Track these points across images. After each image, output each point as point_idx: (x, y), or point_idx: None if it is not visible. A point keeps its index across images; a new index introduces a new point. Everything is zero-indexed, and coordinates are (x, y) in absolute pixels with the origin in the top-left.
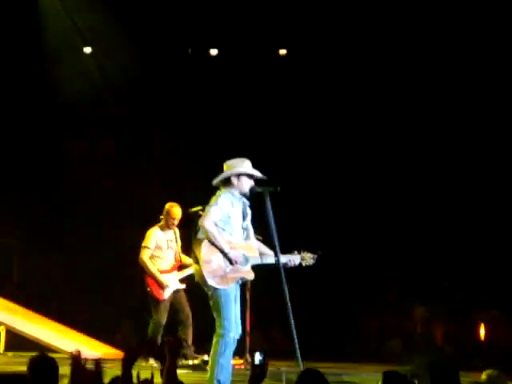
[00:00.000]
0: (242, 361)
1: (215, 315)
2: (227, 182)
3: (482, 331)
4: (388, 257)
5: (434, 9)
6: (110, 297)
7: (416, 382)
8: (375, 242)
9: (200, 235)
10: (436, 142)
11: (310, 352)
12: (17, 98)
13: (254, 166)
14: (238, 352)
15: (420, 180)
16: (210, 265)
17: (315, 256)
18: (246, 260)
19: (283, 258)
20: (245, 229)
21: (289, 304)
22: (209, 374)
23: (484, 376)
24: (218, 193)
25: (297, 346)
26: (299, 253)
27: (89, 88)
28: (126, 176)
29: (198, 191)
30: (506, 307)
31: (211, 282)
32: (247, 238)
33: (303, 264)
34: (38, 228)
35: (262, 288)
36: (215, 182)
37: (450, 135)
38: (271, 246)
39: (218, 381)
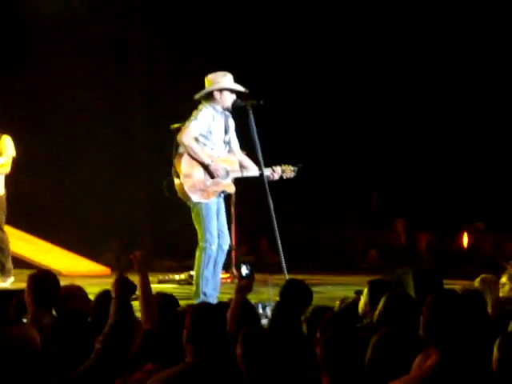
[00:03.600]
0: (228, 274)
1: (197, 228)
2: (209, 97)
3: (466, 241)
4: (373, 167)
5: None
6: (97, 217)
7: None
8: (361, 152)
9: (180, 150)
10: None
11: (295, 264)
12: None
13: (236, 79)
14: (225, 266)
15: (409, 87)
16: (191, 179)
17: (295, 168)
18: (227, 173)
19: (265, 171)
20: (227, 142)
21: (273, 217)
22: (194, 287)
23: (478, 280)
24: (199, 107)
25: (282, 259)
26: (280, 165)
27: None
28: (110, 93)
29: (181, 106)
30: (489, 219)
31: (192, 195)
32: (230, 151)
33: (284, 176)
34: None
35: (247, 201)
36: (197, 96)
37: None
38: (255, 160)
39: (204, 293)
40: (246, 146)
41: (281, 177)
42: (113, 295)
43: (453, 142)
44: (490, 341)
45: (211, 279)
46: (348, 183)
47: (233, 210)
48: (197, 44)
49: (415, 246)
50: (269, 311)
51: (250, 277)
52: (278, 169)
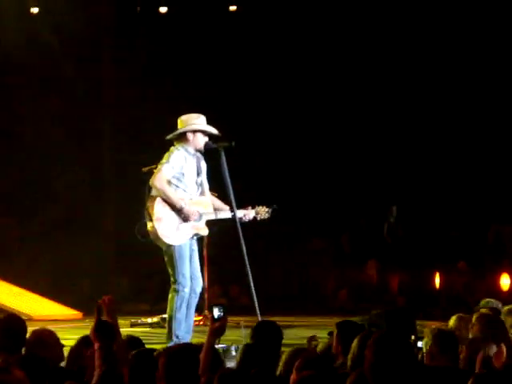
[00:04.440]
0: (200, 317)
1: (170, 271)
2: (181, 138)
3: (437, 281)
4: (342, 208)
5: None
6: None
7: (374, 330)
8: (330, 194)
9: (153, 193)
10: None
11: (268, 306)
12: None
13: (208, 121)
14: (197, 308)
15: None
16: (163, 222)
17: (270, 210)
18: (200, 216)
19: (239, 213)
20: (199, 184)
21: (246, 259)
22: (167, 330)
23: (455, 318)
24: (171, 149)
25: (255, 301)
26: (253, 207)
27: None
28: (78, 131)
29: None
30: (467, 258)
31: (165, 239)
32: (202, 193)
33: (258, 218)
34: None
35: (220, 244)
36: (169, 136)
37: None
38: (226, 202)
39: (177, 336)
40: (218, 188)
41: (254, 218)
42: (95, 345)
43: (417, 180)
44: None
45: (184, 322)
46: (319, 224)
47: (205, 251)
48: (168, 83)
49: (387, 287)
50: None
51: (222, 319)
52: (252, 211)
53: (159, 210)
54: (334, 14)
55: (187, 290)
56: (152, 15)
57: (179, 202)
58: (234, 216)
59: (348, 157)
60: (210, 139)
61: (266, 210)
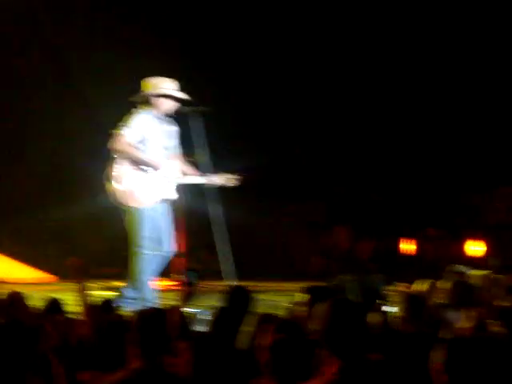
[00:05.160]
0: (175, 282)
1: (129, 232)
2: (146, 102)
3: (408, 247)
4: (315, 174)
5: None
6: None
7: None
8: (306, 158)
9: (112, 157)
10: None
11: (240, 272)
12: None
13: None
14: (168, 272)
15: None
16: (123, 184)
17: (235, 177)
18: (168, 180)
19: (204, 179)
20: (167, 149)
21: (222, 225)
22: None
23: (420, 286)
24: (133, 112)
25: (225, 265)
26: (221, 174)
27: None
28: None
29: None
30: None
31: (125, 200)
32: (172, 158)
33: (226, 185)
34: None
35: (194, 210)
36: (132, 99)
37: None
38: (200, 167)
39: (145, 299)
40: (190, 153)
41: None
42: None
43: (393, 147)
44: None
45: (148, 283)
46: (295, 188)
47: (180, 217)
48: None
49: (357, 253)
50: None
51: (195, 284)
52: (220, 177)
53: (119, 171)
54: (329, 11)
55: (148, 251)
56: None
57: (143, 157)
58: (208, 182)
59: (324, 123)
60: (184, 104)
61: (231, 177)
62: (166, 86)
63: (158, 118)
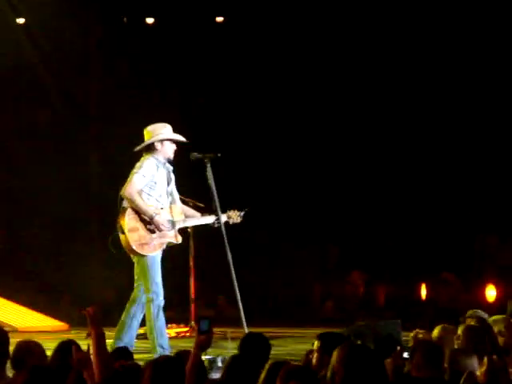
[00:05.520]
0: (187, 328)
1: (143, 281)
2: (150, 148)
3: (424, 292)
4: (329, 219)
5: None
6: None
7: (359, 342)
8: (316, 203)
9: (124, 204)
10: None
11: (255, 317)
12: None
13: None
14: (184, 320)
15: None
16: (136, 233)
17: (241, 213)
18: (172, 224)
19: (209, 219)
20: (170, 193)
21: (232, 269)
22: (151, 341)
23: (439, 329)
24: (141, 158)
25: (241, 312)
26: (224, 212)
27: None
28: (64, 149)
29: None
30: (453, 269)
31: (138, 250)
32: (173, 202)
33: (230, 222)
34: None
35: (206, 254)
36: (138, 148)
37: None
38: (211, 210)
39: (161, 346)
40: (202, 198)
41: (227, 222)
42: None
43: (405, 191)
44: None
45: (164, 330)
46: (305, 234)
47: (191, 262)
48: (156, 94)
49: (372, 298)
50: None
51: (208, 332)
52: (223, 215)
53: (130, 220)
54: (325, 15)
55: (161, 298)
56: (139, 26)
57: (149, 211)
58: (219, 223)
59: (336, 168)
60: (194, 150)
61: (238, 213)
62: (166, 131)
63: (162, 164)
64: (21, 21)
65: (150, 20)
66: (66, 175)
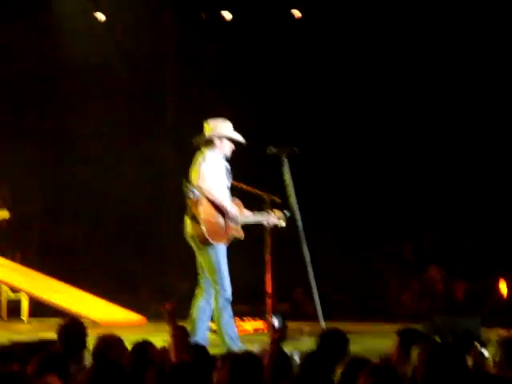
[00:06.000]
0: (262, 322)
1: (210, 272)
2: (208, 143)
3: (504, 288)
4: (405, 214)
5: None
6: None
7: (437, 337)
8: (391, 200)
9: (197, 195)
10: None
11: (332, 312)
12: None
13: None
14: (259, 314)
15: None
16: (210, 223)
17: (283, 216)
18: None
19: (261, 217)
20: (229, 188)
21: (309, 264)
22: (219, 334)
23: None
24: (203, 150)
25: (318, 306)
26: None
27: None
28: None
29: None
30: None
31: (212, 239)
32: (230, 197)
33: (278, 224)
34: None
35: (282, 249)
36: (196, 141)
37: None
38: (287, 207)
39: (231, 338)
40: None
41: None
42: None
43: (486, 189)
44: None
45: (232, 321)
46: (380, 230)
47: (268, 257)
48: (230, 84)
49: (452, 294)
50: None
51: (283, 327)
52: (274, 216)
53: (205, 211)
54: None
55: (229, 291)
56: (217, 22)
57: (225, 204)
58: (297, 222)
59: (413, 164)
60: (271, 145)
61: (281, 215)
62: (227, 128)
63: (223, 159)
64: (102, 18)
65: (226, 15)
66: (141, 168)
